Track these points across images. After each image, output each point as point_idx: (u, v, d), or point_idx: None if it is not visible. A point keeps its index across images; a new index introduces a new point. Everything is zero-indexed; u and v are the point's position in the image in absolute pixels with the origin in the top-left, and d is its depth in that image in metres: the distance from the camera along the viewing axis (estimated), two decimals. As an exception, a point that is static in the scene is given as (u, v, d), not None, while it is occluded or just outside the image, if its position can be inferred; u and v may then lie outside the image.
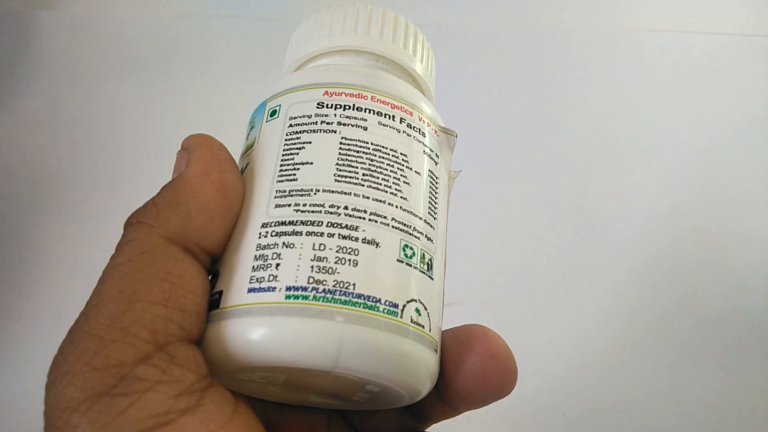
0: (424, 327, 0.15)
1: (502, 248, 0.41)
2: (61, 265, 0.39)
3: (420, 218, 0.16)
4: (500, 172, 0.44)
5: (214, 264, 0.16)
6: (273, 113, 0.17)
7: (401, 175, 0.16)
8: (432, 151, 0.18)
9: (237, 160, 0.18)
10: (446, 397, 0.17)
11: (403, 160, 0.17)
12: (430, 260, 0.16)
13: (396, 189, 0.16)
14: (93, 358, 0.13)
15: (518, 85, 0.46)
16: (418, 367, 0.15)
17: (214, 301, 0.15)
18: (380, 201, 0.16)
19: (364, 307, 0.14)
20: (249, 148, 0.18)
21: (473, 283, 0.39)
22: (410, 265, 0.15)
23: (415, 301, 0.15)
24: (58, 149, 0.43)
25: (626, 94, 0.47)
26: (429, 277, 0.16)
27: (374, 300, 0.14)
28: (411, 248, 0.16)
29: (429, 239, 0.17)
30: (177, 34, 0.47)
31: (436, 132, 0.18)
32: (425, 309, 0.15)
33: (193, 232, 0.15)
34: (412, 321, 0.15)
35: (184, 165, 0.16)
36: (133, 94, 0.44)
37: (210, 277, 0.16)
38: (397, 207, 0.16)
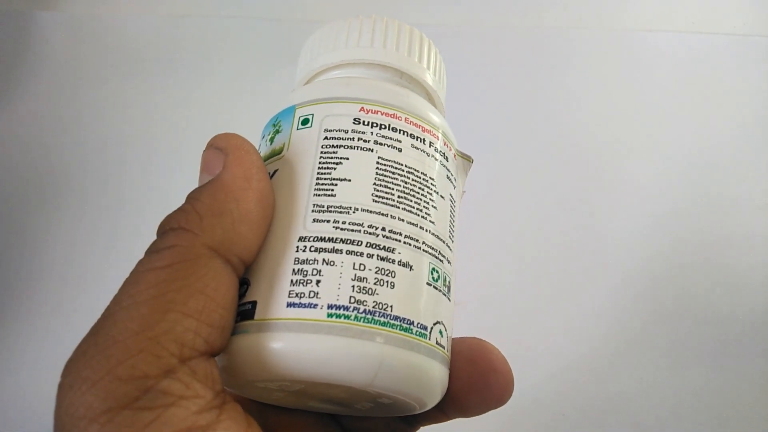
0: (444, 347, 0.16)
1: (501, 248, 0.41)
2: (62, 265, 0.39)
3: (443, 242, 0.17)
4: (500, 172, 0.44)
5: (246, 272, 0.16)
6: (305, 121, 0.17)
7: (430, 198, 0.17)
8: (452, 174, 0.18)
9: None
10: (445, 406, 0.17)
11: (432, 183, 0.17)
12: (449, 282, 0.17)
13: (426, 213, 0.17)
14: (117, 367, 0.12)
15: (517, 85, 0.46)
16: (436, 384, 0.16)
17: (247, 311, 0.15)
18: (413, 224, 0.16)
19: (400, 329, 0.15)
20: (276, 154, 0.17)
21: (473, 283, 0.39)
22: (436, 288, 0.16)
23: (440, 323, 0.16)
24: (59, 149, 0.43)
25: (626, 94, 0.47)
26: (448, 298, 0.17)
27: (408, 322, 0.15)
28: (437, 271, 0.16)
29: (449, 262, 0.17)
30: (177, 34, 0.47)
31: (455, 156, 0.19)
32: (446, 330, 0.16)
33: (235, 243, 0.14)
34: (437, 342, 0.16)
35: (220, 167, 0.15)
36: (134, 94, 0.44)
37: (240, 284, 0.16)
38: (427, 231, 0.16)
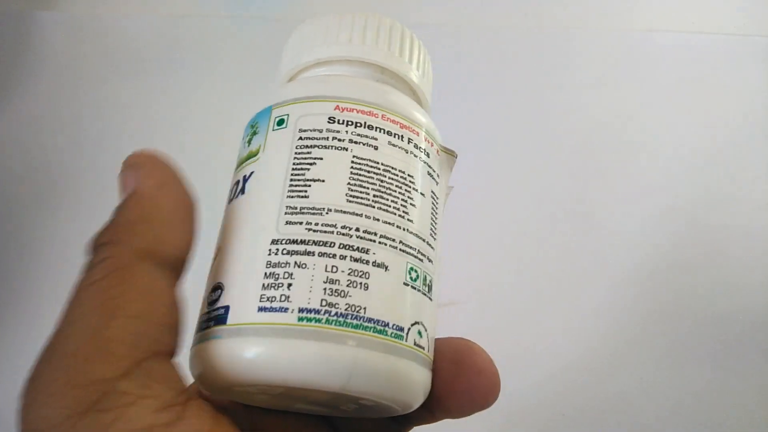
0: (423, 348, 0.16)
1: (500, 248, 0.41)
2: (62, 265, 0.39)
3: (424, 240, 0.17)
4: (499, 172, 0.44)
5: (219, 276, 0.16)
6: (280, 122, 0.17)
7: (408, 197, 0.17)
8: (434, 171, 0.18)
9: (236, 165, 0.18)
10: (431, 407, 0.17)
11: (410, 181, 0.17)
12: (431, 282, 0.17)
13: (404, 211, 0.16)
14: (73, 376, 0.12)
15: (517, 85, 0.46)
16: (416, 386, 0.16)
17: (220, 317, 0.15)
18: (389, 223, 0.16)
19: (374, 332, 0.14)
20: (253, 156, 0.17)
21: (472, 283, 0.39)
22: (414, 288, 0.16)
23: (418, 323, 0.16)
24: (59, 149, 0.43)
25: (626, 94, 0.47)
26: (429, 298, 0.16)
27: (383, 324, 0.15)
28: (415, 271, 0.16)
29: (430, 261, 0.17)
30: (177, 34, 0.47)
31: (438, 152, 0.19)
32: (425, 330, 0.16)
33: (162, 245, 0.15)
34: (415, 344, 0.15)
35: (135, 182, 0.16)
36: (134, 94, 0.44)
37: (211, 290, 0.16)
38: (404, 230, 0.16)
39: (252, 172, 0.17)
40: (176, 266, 0.15)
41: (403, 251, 0.16)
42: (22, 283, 0.38)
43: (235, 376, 0.14)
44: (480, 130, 0.44)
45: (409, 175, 0.17)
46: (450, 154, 0.19)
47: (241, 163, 0.18)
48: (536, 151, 0.44)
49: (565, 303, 0.40)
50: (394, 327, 0.15)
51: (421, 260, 0.16)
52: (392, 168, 0.17)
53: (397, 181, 0.16)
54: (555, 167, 0.44)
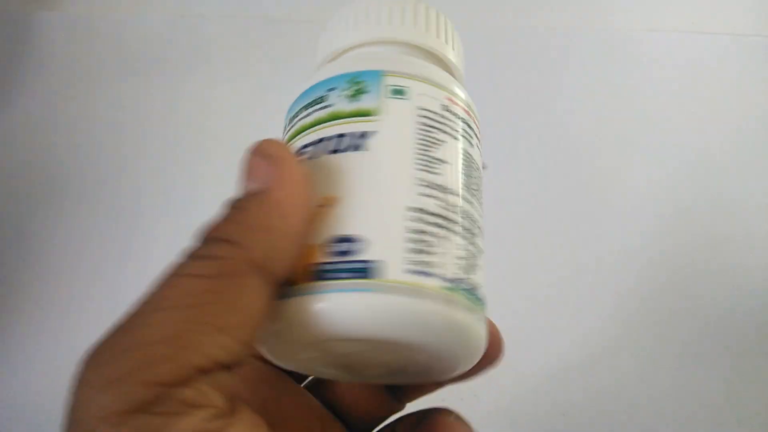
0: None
1: (502, 249, 0.41)
2: (61, 265, 0.39)
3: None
4: (499, 173, 0.43)
5: (344, 226, 0.16)
6: (398, 92, 0.18)
7: (481, 194, 0.19)
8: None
9: (326, 116, 0.17)
10: None
11: (481, 180, 0.19)
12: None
13: (480, 202, 0.18)
14: (139, 371, 0.12)
15: (517, 85, 0.46)
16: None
17: (362, 270, 0.15)
18: (480, 216, 0.18)
19: (482, 309, 0.17)
20: (367, 115, 0.17)
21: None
22: (483, 270, 0.18)
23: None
24: (58, 149, 0.43)
25: (626, 94, 0.47)
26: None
27: (484, 303, 0.17)
28: (484, 253, 0.18)
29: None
30: (177, 35, 0.47)
31: None
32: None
33: (276, 261, 0.14)
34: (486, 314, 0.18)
35: (268, 178, 0.15)
36: (133, 94, 0.44)
37: (338, 240, 0.15)
38: (481, 217, 0.18)
39: (373, 131, 0.17)
40: (276, 284, 0.15)
41: (482, 237, 0.18)
42: (22, 282, 0.38)
43: (374, 328, 0.15)
44: (479, 131, 0.44)
45: (481, 175, 0.19)
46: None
47: (342, 116, 0.17)
48: (536, 151, 0.44)
49: (567, 304, 0.40)
50: (484, 301, 0.17)
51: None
52: (477, 166, 0.19)
53: (479, 178, 0.19)
54: (555, 168, 0.44)
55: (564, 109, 0.46)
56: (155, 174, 0.42)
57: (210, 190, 0.41)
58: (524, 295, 0.40)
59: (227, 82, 0.45)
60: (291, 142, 0.18)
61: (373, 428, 0.20)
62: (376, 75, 0.18)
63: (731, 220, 0.43)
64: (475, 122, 0.19)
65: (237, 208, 0.15)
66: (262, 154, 0.15)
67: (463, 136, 0.18)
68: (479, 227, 0.18)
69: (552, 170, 0.44)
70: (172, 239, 0.40)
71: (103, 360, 0.13)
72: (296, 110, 0.19)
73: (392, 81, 0.18)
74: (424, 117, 0.17)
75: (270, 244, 0.14)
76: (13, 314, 0.38)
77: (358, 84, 0.18)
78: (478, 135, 0.19)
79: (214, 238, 0.14)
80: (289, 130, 0.19)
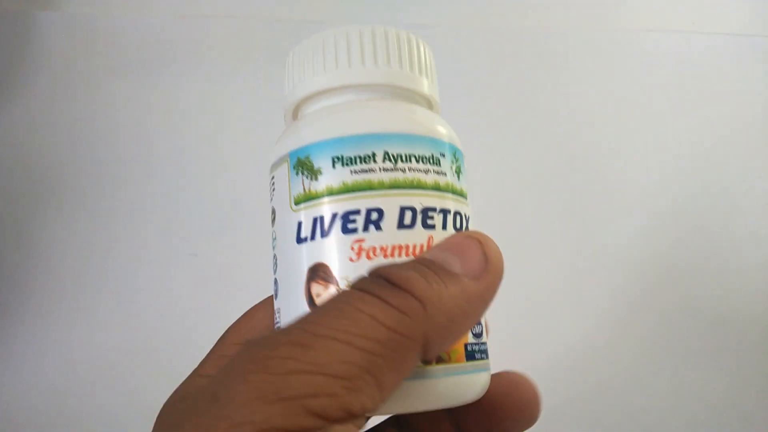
0: None
1: (502, 250, 0.41)
2: (61, 265, 0.39)
3: None
4: (499, 173, 0.43)
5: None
6: (464, 177, 0.19)
7: None
8: None
9: (435, 184, 0.17)
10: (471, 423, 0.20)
11: None
12: None
13: None
14: (308, 399, 0.12)
15: (517, 85, 0.46)
16: None
17: (486, 353, 0.18)
18: None
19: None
20: (465, 196, 0.18)
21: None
22: None
23: None
24: (58, 149, 0.42)
25: (626, 94, 0.47)
26: None
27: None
28: None
29: None
30: (177, 34, 0.47)
31: None
32: None
33: (437, 346, 0.14)
34: None
35: (476, 271, 0.15)
36: (133, 94, 0.44)
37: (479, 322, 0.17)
38: None
39: (469, 218, 0.18)
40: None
41: None
42: (22, 282, 0.38)
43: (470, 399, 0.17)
44: (480, 131, 0.44)
45: None
46: None
47: (455, 192, 0.17)
48: (536, 151, 0.44)
49: (566, 304, 0.40)
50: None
51: None
52: None
53: None
54: (554, 168, 0.44)
55: (563, 109, 0.46)
56: (155, 174, 0.42)
57: (210, 190, 0.41)
58: (522, 295, 0.40)
59: (227, 81, 0.45)
60: (402, 189, 0.16)
61: None
62: (461, 156, 0.18)
63: (731, 219, 0.43)
64: None
65: (437, 271, 0.14)
66: (482, 245, 0.15)
67: None
68: None
69: (550, 170, 0.44)
70: (172, 239, 0.40)
71: (272, 368, 0.12)
72: (402, 152, 0.16)
73: (464, 164, 0.18)
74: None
75: (443, 332, 0.14)
76: (13, 314, 0.38)
77: (457, 160, 0.17)
78: None
79: (407, 290, 0.14)
80: (388, 169, 0.16)
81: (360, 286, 0.14)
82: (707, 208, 0.43)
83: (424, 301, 0.13)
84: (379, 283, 0.14)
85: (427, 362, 0.15)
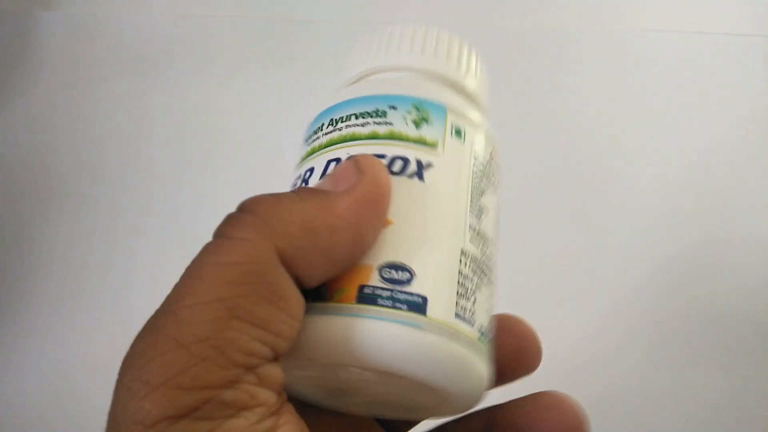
0: None
1: (501, 250, 0.41)
2: (61, 264, 0.39)
3: None
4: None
5: (404, 256, 0.15)
6: (458, 133, 0.17)
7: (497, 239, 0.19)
8: None
9: (386, 134, 0.17)
10: None
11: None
12: None
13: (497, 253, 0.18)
14: (179, 375, 0.12)
15: (517, 85, 0.46)
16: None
17: (415, 304, 0.14)
18: (495, 263, 0.18)
19: (489, 346, 0.17)
20: (429, 146, 0.17)
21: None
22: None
23: None
24: (58, 149, 0.43)
25: (626, 94, 0.47)
26: None
27: (492, 340, 0.17)
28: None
29: None
30: (177, 34, 0.47)
31: None
32: None
33: (301, 267, 0.13)
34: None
35: (346, 185, 0.14)
36: (133, 94, 0.44)
37: (390, 266, 0.15)
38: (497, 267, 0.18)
39: (431, 164, 0.16)
40: (306, 284, 0.14)
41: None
42: (22, 282, 0.38)
43: (413, 366, 0.14)
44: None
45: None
46: None
47: (404, 139, 0.17)
48: (536, 151, 0.44)
49: (567, 305, 0.40)
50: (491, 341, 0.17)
51: None
52: (498, 214, 0.19)
53: (498, 224, 0.19)
54: (555, 169, 0.44)
55: (564, 109, 0.46)
56: (156, 173, 0.42)
57: (211, 189, 0.41)
58: (523, 296, 0.40)
59: (228, 81, 0.45)
60: (334, 146, 0.17)
61: None
62: (441, 110, 0.18)
63: (731, 219, 0.43)
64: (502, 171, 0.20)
65: (296, 190, 0.14)
66: (356, 165, 0.15)
67: (498, 189, 0.18)
68: (495, 275, 0.18)
69: (550, 171, 0.44)
70: (173, 239, 0.40)
71: (139, 363, 0.12)
72: (343, 114, 0.18)
73: (453, 120, 0.18)
74: (476, 164, 0.17)
75: (305, 245, 0.13)
76: (13, 314, 0.38)
77: (422, 112, 0.17)
78: (503, 182, 0.20)
79: (248, 211, 0.13)
80: (329, 132, 0.18)
81: (215, 231, 0.14)
82: (707, 208, 0.43)
83: (266, 216, 0.13)
84: (229, 216, 0.14)
85: (315, 295, 0.14)
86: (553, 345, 0.38)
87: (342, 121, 0.17)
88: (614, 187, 0.44)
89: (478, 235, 0.16)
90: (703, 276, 0.41)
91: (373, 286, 0.14)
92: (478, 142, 0.18)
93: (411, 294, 0.15)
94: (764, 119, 0.46)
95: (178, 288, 0.13)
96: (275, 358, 0.13)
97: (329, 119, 0.18)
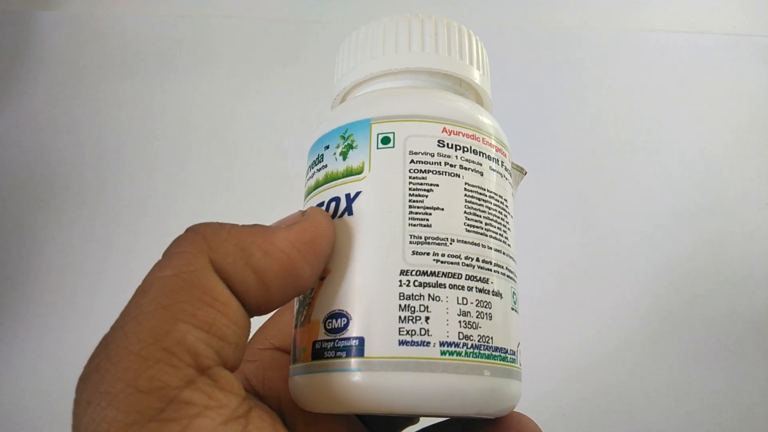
0: (521, 364, 0.17)
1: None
2: (61, 265, 0.39)
3: (514, 261, 0.17)
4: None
5: (342, 303, 0.15)
6: (386, 140, 0.16)
7: (506, 221, 0.17)
8: (514, 191, 0.19)
9: (323, 178, 0.17)
10: None
11: (506, 205, 0.17)
12: (518, 299, 0.17)
13: (506, 237, 0.17)
14: (137, 379, 0.12)
15: (518, 85, 0.46)
16: (517, 400, 0.17)
17: (353, 348, 0.15)
18: (499, 251, 0.16)
19: (500, 360, 0.15)
20: (355, 174, 0.16)
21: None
22: (515, 311, 0.17)
23: (519, 343, 0.17)
24: (58, 149, 0.43)
25: (626, 94, 0.47)
26: (518, 314, 0.17)
27: (504, 351, 0.16)
28: (515, 293, 0.17)
29: (516, 279, 0.17)
30: (177, 34, 0.47)
31: (511, 168, 0.19)
32: (520, 345, 0.17)
33: (236, 278, 0.14)
34: (519, 363, 0.16)
35: (288, 223, 0.15)
36: (133, 94, 0.44)
37: (330, 317, 0.15)
38: (507, 255, 0.17)
39: (359, 192, 0.16)
40: (252, 307, 0.15)
41: (509, 277, 0.17)
42: (22, 282, 0.38)
43: (374, 406, 0.14)
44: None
45: (504, 199, 0.17)
46: (519, 170, 0.20)
47: (336, 177, 0.17)
48: (537, 152, 0.44)
49: (568, 305, 0.40)
50: (511, 353, 0.16)
51: (515, 281, 0.17)
52: (495, 195, 0.17)
53: (499, 207, 0.17)
54: (555, 169, 0.44)
55: (563, 109, 0.46)
56: (156, 173, 0.42)
57: (212, 189, 0.41)
58: (523, 296, 0.40)
59: (228, 81, 0.45)
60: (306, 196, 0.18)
61: None
62: (365, 125, 0.17)
63: (731, 219, 0.43)
64: (490, 143, 0.17)
65: (239, 225, 0.15)
66: (304, 211, 0.16)
67: (467, 168, 0.16)
68: (499, 264, 0.16)
69: (550, 171, 0.44)
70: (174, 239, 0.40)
71: (95, 378, 0.12)
72: (307, 170, 0.18)
73: (380, 129, 0.16)
74: (415, 162, 0.16)
75: (236, 261, 0.14)
76: (13, 314, 0.38)
77: (347, 139, 0.17)
78: (495, 156, 0.17)
79: (190, 230, 0.14)
80: (306, 180, 0.18)
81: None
82: (707, 208, 0.43)
83: (205, 234, 0.14)
84: (175, 238, 0.14)
85: (293, 357, 0.16)
86: (553, 345, 0.38)
87: (306, 177, 0.18)
88: (614, 187, 0.44)
89: (429, 242, 0.15)
90: (703, 276, 0.41)
91: (321, 340, 0.15)
92: (415, 134, 0.16)
93: (349, 339, 0.15)
94: (764, 119, 0.46)
95: (125, 307, 0.13)
96: (225, 364, 0.13)
97: (311, 160, 0.18)
